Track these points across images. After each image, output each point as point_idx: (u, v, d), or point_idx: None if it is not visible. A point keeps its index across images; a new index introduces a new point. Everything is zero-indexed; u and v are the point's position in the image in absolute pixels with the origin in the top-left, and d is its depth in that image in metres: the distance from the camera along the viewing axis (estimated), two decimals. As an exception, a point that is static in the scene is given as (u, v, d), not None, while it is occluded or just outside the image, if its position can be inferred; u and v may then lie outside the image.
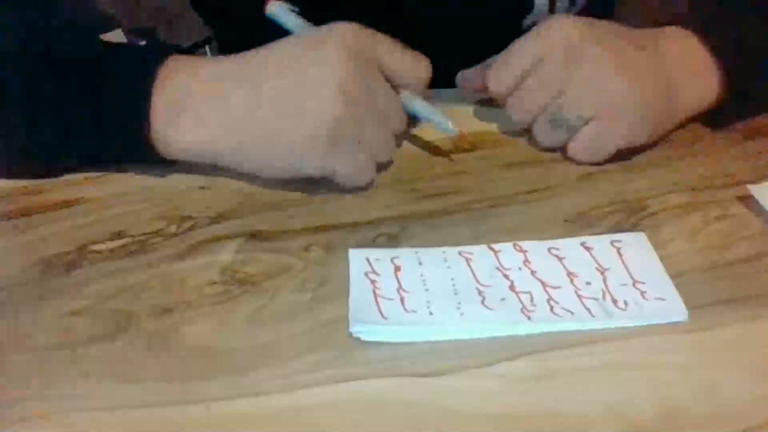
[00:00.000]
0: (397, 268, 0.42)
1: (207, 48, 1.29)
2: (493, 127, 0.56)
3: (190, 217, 0.47)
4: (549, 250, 0.43)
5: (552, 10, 0.63)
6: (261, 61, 0.47)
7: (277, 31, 0.51)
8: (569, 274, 0.42)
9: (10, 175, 0.50)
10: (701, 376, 0.36)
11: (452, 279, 0.41)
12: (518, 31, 0.53)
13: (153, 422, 0.34)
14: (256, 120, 0.46)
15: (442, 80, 0.51)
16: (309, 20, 0.53)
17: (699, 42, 0.52)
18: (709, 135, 0.55)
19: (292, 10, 0.53)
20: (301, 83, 0.46)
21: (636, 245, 0.44)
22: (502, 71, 0.52)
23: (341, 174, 0.47)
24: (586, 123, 0.50)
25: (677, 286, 0.40)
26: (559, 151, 0.52)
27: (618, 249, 0.43)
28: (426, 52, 0.51)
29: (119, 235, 0.45)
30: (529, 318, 0.39)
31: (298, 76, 0.46)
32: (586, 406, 0.34)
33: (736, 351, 0.37)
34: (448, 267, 0.42)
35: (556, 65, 0.50)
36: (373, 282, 0.41)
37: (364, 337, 0.38)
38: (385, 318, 0.39)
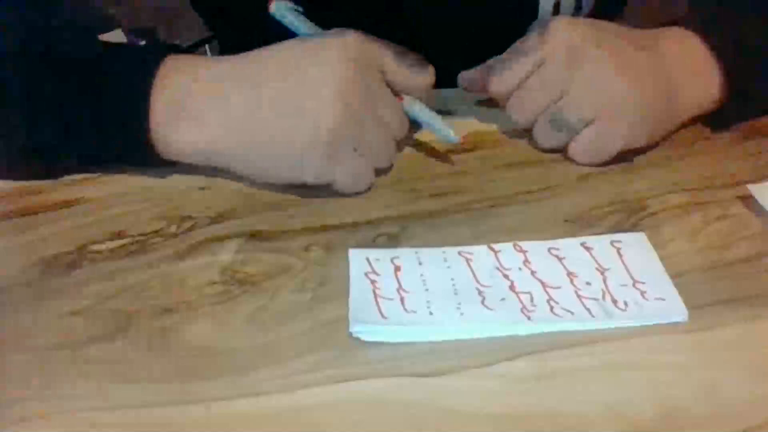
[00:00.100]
0: (397, 268, 0.42)
1: (207, 48, 1.30)
2: (493, 127, 0.56)
3: (190, 217, 0.47)
4: (549, 250, 0.43)
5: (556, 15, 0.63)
6: (261, 62, 0.47)
7: (278, 32, 0.51)
8: (569, 274, 0.42)
9: (10, 175, 0.50)
10: (701, 376, 0.36)
11: (452, 279, 0.41)
12: (518, 32, 0.53)
13: (153, 422, 0.34)
14: (255, 120, 0.46)
15: (442, 80, 0.51)
16: (310, 20, 0.53)
17: (699, 42, 0.52)
18: (709, 135, 0.55)
19: (296, 10, 0.53)
20: (302, 84, 0.46)
21: (636, 245, 0.44)
22: (503, 72, 0.52)
23: (340, 179, 0.47)
24: (587, 124, 0.50)
25: (677, 286, 0.40)
26: (560, 151, 0.52)
27: (618, 249, 0.43)
28: (426, 52, 0.51)
29: (119, 235, 0.45)
30: (529, 318, 0.39)
31: (298, 78, 0.46)
32: (586, 406, 0.34)
33: (736, 351, 0.37)
34: (448, 267, 0.42)
35: (557, 66, 0.50)
36: (373, 282, 0.41)
37: (364, 337, 0.38)
38: (385, 318, 0.39)
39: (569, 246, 0.44)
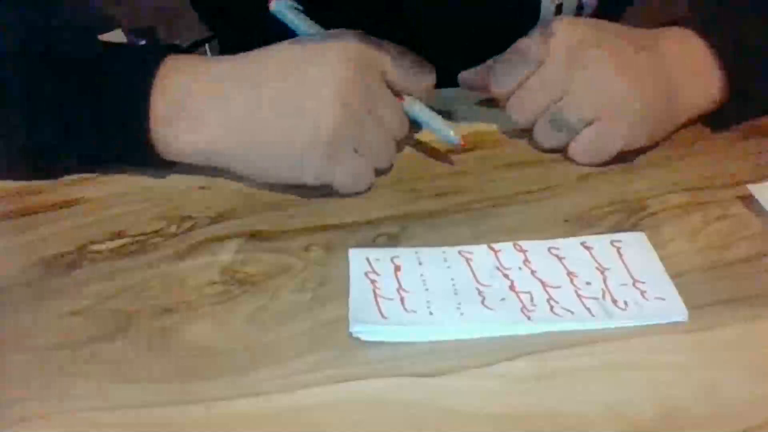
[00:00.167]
0: (397, 268, 0.42)
1: (207, 47, 1.29)
2: (493, 127, 0.56)
3: (190, 217, 0.47)
4: (549, 249, 0.43)
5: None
6: (261, 62, 0.47)
7: (278, 31, 0.51)
8: (569, 273, 0.42)
9: (10, 175, 0.50)
10: (701, 376, 0.36)
11: (452, 279, 0.41)
12: (519, 32, 0.53)
13: (153, 422, 0.34)
14: (255, 120, 0.46)
15: (442, 80, 0.51)
16: (310, 19, 0.53)
17: (700, 42, 0.52)
18: (709, 135, 0.55)
19: (296, 8, 0.53)
20: (302, 84, 0.46)
21: (636, 245, 0.44)
22: (504, 72, 0.52)
23: (340, 179, 0.47)
24: (587, 124, 0.50)
25: (677, 286, 0.40)
26: (560, 151, 0.52)
27: (618, 249, 0.43)
28: (426, 52, 0.51)
29: (119, 235, 0.45)
30: (529, 318, 0.39)
31: (298, 78, 0.46)
32: (586, 406, 0.34)
33: (736, 351, 0.37)
34: (448, 267, 0.42)
35: (557, 67, 0.50)
36: (373, 282, 0.41)
37: (364, 337, 0.38)
38: (385, 318, 0.39)
39: (569, 246, 0.44)
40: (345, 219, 0.47)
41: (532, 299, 0.40)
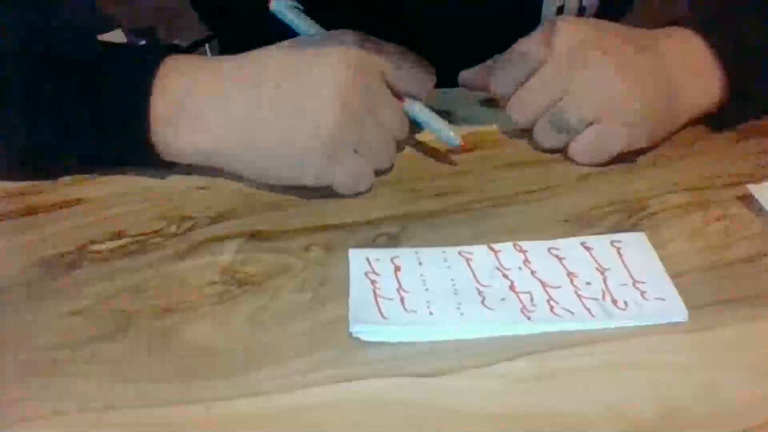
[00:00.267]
0: (397, 268, 0.42)
1: (207, 47, 1.30)
2: (493, 127, 0.56)
3: (190, 217, 0.47)
4: (549, 250, 0.43)
5: None
6: (262, 62, 0.47)
7: (278, 31, 0.51)
8: (569, 274, 0.42)
9: (10, 175, 0.50)
10: (701, 376, 0.36)
11: (452, 279, 0.41)
12: (519, 32, 0.53)
13: (153, 422, 0.34)
14: (255, 121, 0.46)
15: (442, 80, 0.51)
16: (310, 19, 0.53)
17: (700, 42, 0.52)
18: (709, 135, 0.55)
19: (296, 8, 0.53)
20: (302, 85, 0.46)
21: (636, 245, 0.44)
22: (504, 72, 0.52)
23: (340, 180, 0.47)
24: (588, 125, 0.50)
25: (677, 286, 0.40)
26: (560, 151, 0.52)
27: (618, 249, 0.43)
28: (426, 52, 0.51)
29: (119, 235, 0.45)
30: (529, 318, 0.39)
31: (298, 78, 0.46)
32: (586, 406, 0.34)
33: (736, 351, 0.37)
34: (448, 267, 0.42)
35: (557, 67, 0.50)
36: (373, 282, 0.41)
37: (364, 337, 0.38)
38: (385, 318, 0.39)
39: (569, 246, 0.44)
40: (345, 219, 0.47)
41: (532, 299, 0.40)
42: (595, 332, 0.38)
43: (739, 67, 0.51)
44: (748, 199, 0.47)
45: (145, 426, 0.34)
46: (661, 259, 0.42)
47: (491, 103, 0.56)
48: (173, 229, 0.46)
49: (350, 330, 0.38)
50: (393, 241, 0.45)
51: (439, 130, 0.51)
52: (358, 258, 0.43)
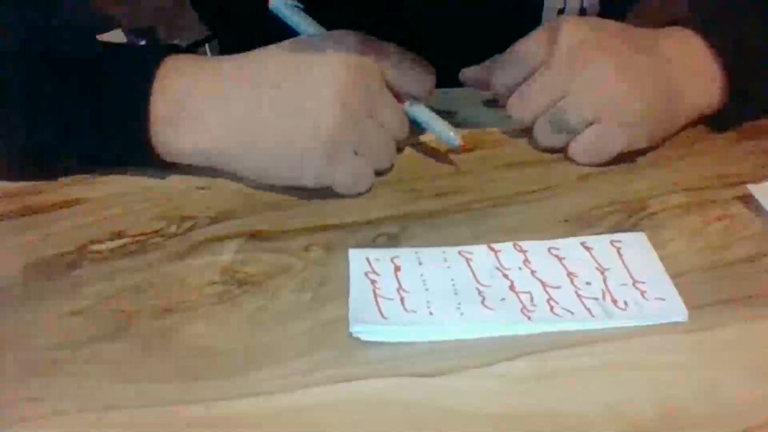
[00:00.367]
0: (397, 268, 0.42)
1: (207, 47, 1.30)
2: (493, 127, 0.56)
3: (190, 217, 0.47)
4: (549, 250, 0.43)
5: None
6: (262, 62, 0.48)
7: (278, 31, 0.51)
8: (569, 274, 0.42)
9: (10, 175, 0.50)
10: (701, 376, 0.36)
11: (452, 279, 0.41)
12: (520, 32, 0.53)
13: (153, 422, 0.34)
14: (255, 121, 0.46)
15: (442, 80, 0.51)
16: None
17: (700, 43, 0.52)
18: (709, 135, 0.55)
19: (295, 6, 0.53)
20: (302, 85, 0.46)
21: (636, 245, 0.44)
22: (505, 70, 0.52)
23: (340, 180, 0.47)
24: (588, 125, 0.50)
25: (677, 286, 0.40)
26: (560, 151, 0.52)
27: (618, 249, 0.43)
28: (426, 52, 0.51)
29: (119, 235, 0.45)
30: (529, 318, 0.39)
31: (298, 79, 0.46)
32: (586, 406, 0.34)
33: (736, 351, 0.37)
34: (448, 267, 0.42)
35: (558, 67, 0.50)
36: (373, 282, 0.41)
37: (364, 337, 0.38)
38: (385, 318, 0.39)
39: (569, 246, 0.44)
40: (345, 219, 0.47)
41: (532, 299, 0.40)
42: (595, 332, 0.38)
43: (740, 67, 0.51)
44: (748, 199, 0.47)
45: (145, 426, 0.34)
46: (661, 259, 0.42)
47: (491, 103, 0.56)
48: (173, 229, 0.46)
49: (350, 330, 0.38)
50: (393, 241, 0.45)
51: (439, 131, 0.51)
52: (358, 258, 0.43)
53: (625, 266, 0.42)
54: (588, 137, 0.50)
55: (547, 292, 0.40)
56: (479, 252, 0.43)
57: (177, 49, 0.49)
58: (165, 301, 0.40)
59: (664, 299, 0.40)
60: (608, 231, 0.45)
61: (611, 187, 0.49)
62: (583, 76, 0.49)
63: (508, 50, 0.52)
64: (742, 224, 0.46)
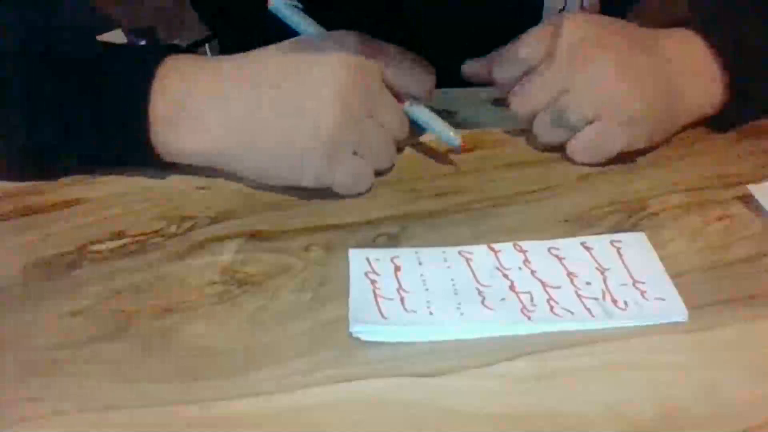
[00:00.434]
0: (397, 268, 0.42)
1: (207, 47, 1.30)
2: (493, 127, 0.56)
3: (190, 217, 0.47)
4: (549, 250, 0.43)
5: None
6: (262, 62, 0.48)
7: (278, 31, 0.51)
8: (569, 274, 0.42)
9: (10, 175, 0.50)
10: (701, 376, 0.36)
11: (452, 279, 0.41)
12: (520, 32, 0.52)
13: (153, 422, 0.34)
14: (255, 121, 0.46)
15: (442, 80, 0.51)
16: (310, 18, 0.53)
17: (701, 43, 0.52)
18: (709, 135, 0.55)
19: (295, 6, 0.53)
20: (301, 85, 0.46)
21: (636, 245, 0.44)
22: (508, 63, 0.52)
23: (340, 180, 0.47)
24: (587, 123, 0.50)
25: (677, 286, 0.40)
26: (560, 151, 0.52)
27: (618, 249, 0.43)
28: (426, 52, 0.51)
29: (119, 235, 0.45)
30: (529, 318, 0.39)
31: (298, 79, 0.46)
32: (586, 406, 0.34)
33: (736, 351, 0.37)
34: (448, 267, 0.42)
35: (559, 64, 0.49)
36: (373, 282, 0.41)
37: (364, 337, 0.38)
38: (385, 318, 0.39)
39: (569, 246, 0.44)
40: (345, 219, 0.47)
41: (532, 299, 0.40)
42: (595, 332, 0.38)
43: (740, 67, 0.51)
44: (748, 199, 0.47)
45: (145, 426, 0.34)
46: (661, 259, 0.42)
47: (491, 103, 0.56)
48: (173, 229, 0.46)
49: (350, 330, 0.38)
50: (393, 241, 0.45)
51: (439, 131, 0.51)
52: (358, 258, 0.43)
53: (625, 266, 0.42)
54: (587, 135, 0.50)
55: (547, 292, 0.40)
56: (479, 252, 0.43)
57: (177, 49, 0.49)
58: (165, 301, 0.40)
59: (664, 299, 0.40)
60: (608, 231, 0.45)
61: (611, 187, 0.49)
62: (584, 74, 0.49)
63: (510, 44, 0.52)
64: (742, 224, 0.46)
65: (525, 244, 0.44)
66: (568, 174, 0.51)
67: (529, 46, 0.51)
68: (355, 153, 0.47)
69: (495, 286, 0.41)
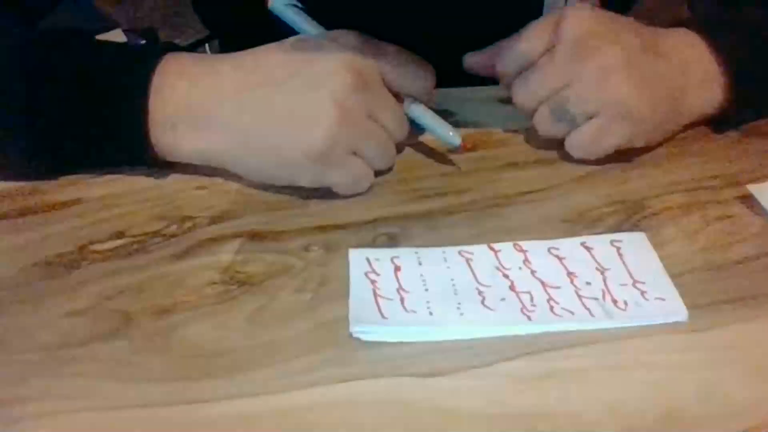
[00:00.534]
0: (397, 268, 0.42)
1: (207, 47, 1.30)
2: (493, 127, 0.56)
3: (190, 217, 0.47)
4: (549, 250, 0.43)
5: None
6: (261, 61, 0.47)
7: (278, 32, 0.51)
8: (569, 274, 0.42)
9: (10, 175, 0.50)
10: (701, 376, 0.36)
11: (452, 279, 0.41)
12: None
13: (153, 422, 0.34)
14: (254, 120, 0.46)
15: (442, 80, 0.51)
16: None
17: (702, 44, 0.51)
18: (709, 135, 0.55)
19: (295, 6, 0.53)
20: (301, 84, 0.46)
21: (636, 245, 0.44)
22: (511, 52, 0.51)
23: (339, 181, 0.47)
24: (588, 118, 0.50)
25: (677, 286, 0.40)
26: (560, 150, 0.52)
27: (618, 249, 0.43)
28: (426, 52, 0.50)
29: (119, 235, 0.45)
30: (529, 318, 0.39)
31: (297, 79, 0.46)
32: (586, 406, 0.34)
33: (736, 351, 0.37)
34: (448, 267, 0.42)
35: (563, 57, 0.49)
36: (373, 282, 0.41)
37: (364, 337, 0.38)
38: (385, 318, 0.39)
39: (569, 246, 0.44)
40: (345, 219, 0.47)
41: (532, 299, 0.40)
42: (595, 332, 0.38)
43: (741, 68, 0.51)
44: (748, 199, 0.47)
45: (145, 426, 0.34)
46: (661, 259, 0.42)
47: (491, 103, 0.56)
48: (173, 229, 0.46)
49: (350, 330, 0.38)
50: (393, 241, 0.45)
51: (439, 131, 0.51)
52: (358, 258, 0.43)
53: (625, 266, 0.42)
54: (587, 130, 0.50)
55: (547, 292, 0.40)
56: (479, 252, 0.43)
57: (176, 49, 0.49)
58: (165, 301, 0.40)
59: (664, 299, 0.40)
60: (608, 231, 0.45)
61: (611, 188, 0.49)
62: (587, 68, 0.48)
63: (514, 35, 0.52)
64: (742, 224, 0.46)
65: (525, 244, 0.44)
66: (568, 174, 0.51)
67: (532, 37, 0.50)
68: (354, 153, 0.47)
69: (495, 286, 0.41)
